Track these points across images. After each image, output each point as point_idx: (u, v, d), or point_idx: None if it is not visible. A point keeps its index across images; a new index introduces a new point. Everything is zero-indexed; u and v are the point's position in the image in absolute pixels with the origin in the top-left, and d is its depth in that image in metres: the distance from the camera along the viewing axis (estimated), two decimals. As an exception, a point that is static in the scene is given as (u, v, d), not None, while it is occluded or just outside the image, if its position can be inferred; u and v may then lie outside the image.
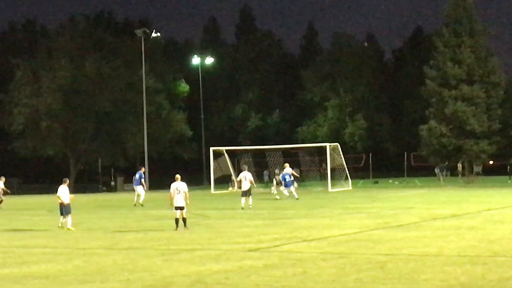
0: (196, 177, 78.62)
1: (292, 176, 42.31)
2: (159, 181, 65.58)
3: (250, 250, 16.85)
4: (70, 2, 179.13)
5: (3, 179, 41.60)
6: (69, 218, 24.29)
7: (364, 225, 22.81)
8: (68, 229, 23.99)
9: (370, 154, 78.80)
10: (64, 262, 15.77)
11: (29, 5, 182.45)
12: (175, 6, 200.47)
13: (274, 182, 49.50)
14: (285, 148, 61.73)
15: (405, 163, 77.77)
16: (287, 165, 43.66)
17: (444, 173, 69.55)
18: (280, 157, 58.73)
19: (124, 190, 71.21)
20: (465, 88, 65.39)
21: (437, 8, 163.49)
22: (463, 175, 68.45)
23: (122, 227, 24.97)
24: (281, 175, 44.03)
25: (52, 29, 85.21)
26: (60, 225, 24.31)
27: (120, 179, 77.06)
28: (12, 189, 52.88)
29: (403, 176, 76.51)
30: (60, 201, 24.48)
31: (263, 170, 62.43)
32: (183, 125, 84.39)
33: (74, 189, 67.67)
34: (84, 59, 76.43)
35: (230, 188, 57.50)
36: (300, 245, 17.82)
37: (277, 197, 42.39)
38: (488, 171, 71.48)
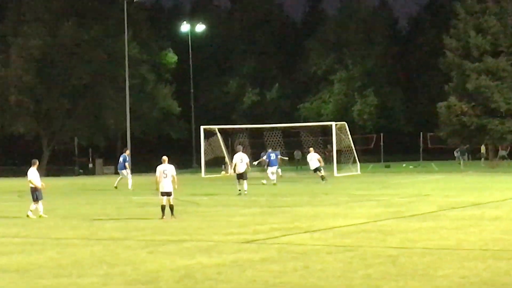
0: (185, 159, 78.62)
1: (319, 162, 43.29)
2: (144, 164, 65.60)
3: (245, 242, 16.90)
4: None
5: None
6: (40, 204, 24.31)
7: (373, 214, 22.87)
8: (40, 216, 24.03)
9: (381, 134, 78.91)
10: (36, 253, 15.80)
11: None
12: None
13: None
14: (286, 128, 61.71)
15: (421, 145, 77.92)
16: (312, 149, 44.65)
17: (464, 157, 69.57)
18: (279, 137, 58.69)
19: (103, 174, 71.27)
20: (489, 61, 65.19)
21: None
22: (486, 158, 68.49)
23: (101, 214, 25.00)
24: (266, 154, 45.11)
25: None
26: (29, 213, 24.27)
27: (99, 161, 77.05)
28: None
29: (418, 159, 76.61)
30: (32, 185, 24.49)
31: (260, 152, 62.60)
32: (170, 100, 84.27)
33: (47, 172, 68.06)
34: (59, 25, 76.08)
35: (223, 172, 57.53)
36: (301, 236, 17.87)
37: (264, 181, 42.60)
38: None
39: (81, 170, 75.90)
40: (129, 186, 39.61)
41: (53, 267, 14.01)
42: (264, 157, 46.60)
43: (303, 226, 19.68)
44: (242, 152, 35.56)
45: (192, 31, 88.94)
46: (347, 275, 12.44)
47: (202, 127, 59.74)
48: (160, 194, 22.90)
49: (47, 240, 18.22)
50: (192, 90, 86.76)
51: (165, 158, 23.35)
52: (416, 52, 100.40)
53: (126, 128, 71.71)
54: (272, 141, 58.24)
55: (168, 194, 22.78)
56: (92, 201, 32.10)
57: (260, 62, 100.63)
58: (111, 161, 73.75)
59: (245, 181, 34.04)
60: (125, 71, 71.53)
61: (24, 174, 27.86)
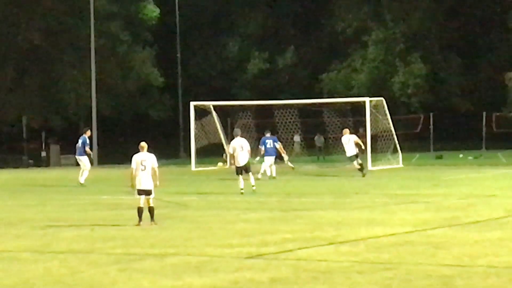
0: (170, 146, 78.80)
1: (358, 147, 43.96)
2: (114, 152, 65.71)
3: (249, 257, 16.93)
4: None
5: None
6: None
7: (421, 221, 22.88)
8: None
9: (431, 114, 78.78)
10: (-29, 271, 15.82)
11: None
12: None
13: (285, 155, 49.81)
14: (303, 105, 61.75)
15: (484, 129, 77.82)
16: (346, 131, 45.12)
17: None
18: (295, 118, 58.72)
19: (60, 165, 71.35)
20: None
21: None
22: None
23: (58, 219, 25.03)
24: (261, 139, 45.94)
25: None
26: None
27: (54, 148, 77.10)
28: None
29: (480, 148, 76.59)
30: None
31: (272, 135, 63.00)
32: (150, 67, 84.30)
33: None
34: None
35: (220, 164, 57.63)
36: (324, 249, 17.90)
37: (259, 176, 42.59)
38: None
39: (30, 160, 76.01)
40: (81, 179, 39.76)
41: (-6, 289, 14.05)
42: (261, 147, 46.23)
43: (327, 237, 19.72)
44: (241, 137, 35.58)
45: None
46: (385, 302, 12.48)
47: (192, 104, 59.75)
48: (136, 192, 22.92)
49: (-14, 253, 18.26)
50: (178, 55, 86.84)
51: (143, 145, 23.33)
52: (477, 6, 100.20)
53: (90, 105, 71.79)
54: (285, 122, 58.29)
55: (147, 192, 22.80)
56: (46, 202, 32.14)
57: (269, 18, 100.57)
58: (70, 148, 73.64)
59: (250, 174, 34.19)
60: (89, 28, 71.54)
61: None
